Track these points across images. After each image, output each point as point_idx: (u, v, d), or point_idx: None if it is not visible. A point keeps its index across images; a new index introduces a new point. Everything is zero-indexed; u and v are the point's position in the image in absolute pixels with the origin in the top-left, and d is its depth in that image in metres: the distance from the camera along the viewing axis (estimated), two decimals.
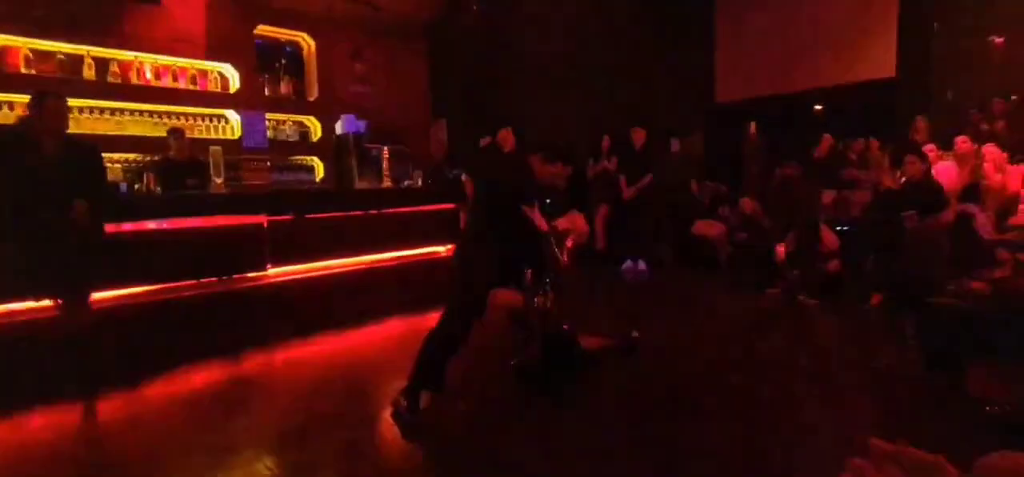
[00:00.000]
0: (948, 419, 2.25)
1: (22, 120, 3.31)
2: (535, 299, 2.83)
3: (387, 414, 2.63)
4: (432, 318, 2.89)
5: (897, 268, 4.14)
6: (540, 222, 2.82)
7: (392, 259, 5.39)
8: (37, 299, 3.54)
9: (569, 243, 3.12)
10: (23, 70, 5.25)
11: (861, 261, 4.74)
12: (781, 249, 5.05)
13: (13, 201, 3.20)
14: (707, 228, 6.33)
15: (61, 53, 5.46)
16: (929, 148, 5.19)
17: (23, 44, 5.26)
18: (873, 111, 6.77)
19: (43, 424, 2.85)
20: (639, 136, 6.19)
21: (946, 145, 5.35)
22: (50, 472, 2.32)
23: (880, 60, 6.89)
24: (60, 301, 3.41)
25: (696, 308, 5.02)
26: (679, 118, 7.97)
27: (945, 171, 4.98)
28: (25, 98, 4.93)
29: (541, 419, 2.64)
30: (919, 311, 2.89)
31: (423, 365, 2.64)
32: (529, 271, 2.84)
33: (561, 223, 3.23)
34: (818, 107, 7.86)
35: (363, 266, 5.22)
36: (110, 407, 3.07)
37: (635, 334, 3.45)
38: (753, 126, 7.51)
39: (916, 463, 0.47)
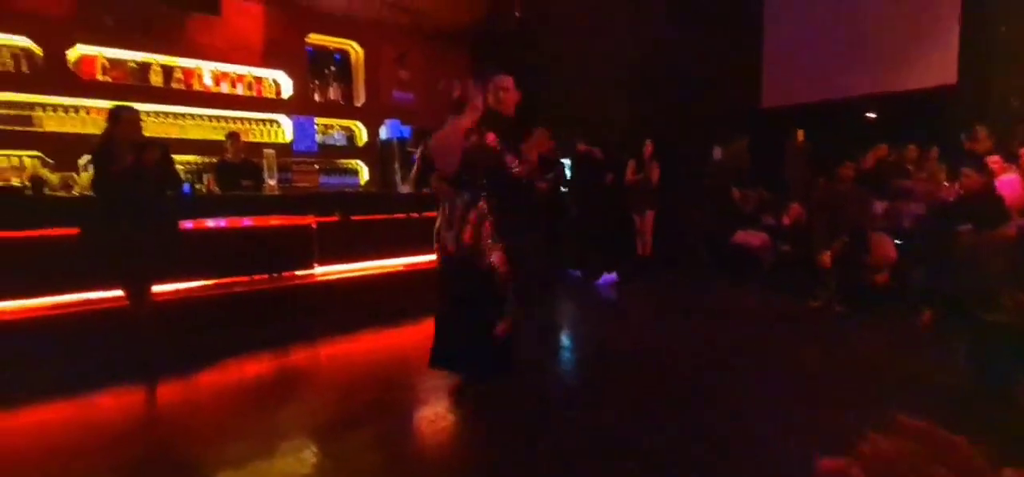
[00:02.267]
0: (997, 435, 2.16)
1: (104, 132, 3.67)
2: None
3: (424, 408, 2.74)
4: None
5: (950, 283, 3.95)
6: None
7: (432, 261, 5.52)
8: (108, 289, 3.87)
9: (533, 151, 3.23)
10: (99, 77, 5.71)
11: (912, 275, 4.55)
12: (826, 258, 4.90)
13: (99, 205, 3.54)
14: (749, 237, 6.20)
15: (132, 62, 5.89)
16: (993, 160, 4.91)
17: (99, 54, 5.71)
18: (930, 119, 6.45)
19: (110, 405, 3.10)
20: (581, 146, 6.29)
21: (1010, 156, 5.05)
22: (116, 450, 2.52)
23: (939, 66, 6.56)
24: (128, 291, 3.71)
25: (732, 317, 4.91)
26: (723, 123, 7.80)
27: (1009, 184, 4.70)
28: (100, 103, 5.39)
29: (566, 412, 2.68)
30: (972, 326, 2.76)
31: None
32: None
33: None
34: (871, 115, 7.55)
35: (404, 268, 5.38)
36: (169, 392, 3.30)
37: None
38: (800, 133, 7.28)
39: (936, 441, 0.50)
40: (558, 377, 3.41)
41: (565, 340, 4.27)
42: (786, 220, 5.51)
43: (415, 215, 5.55)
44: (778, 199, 6.12)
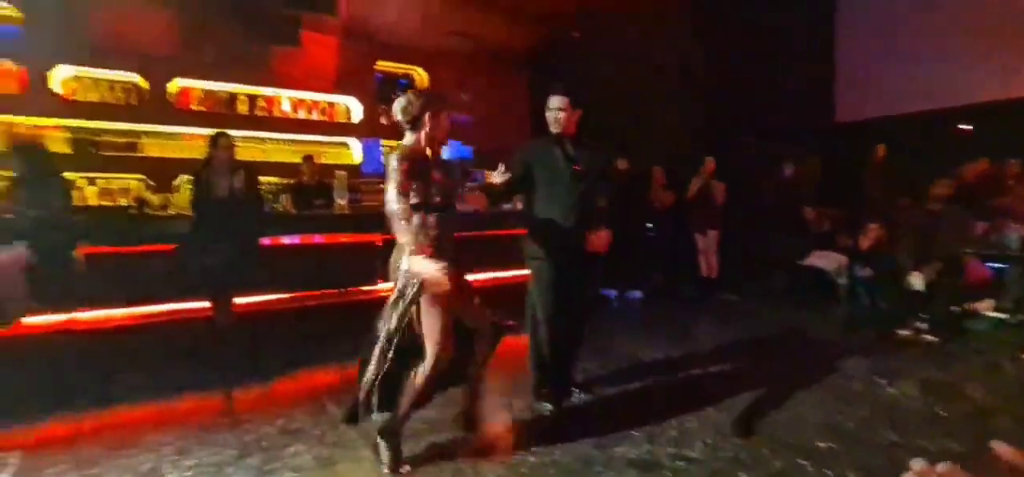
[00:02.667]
0: None
1: (206, 157, 4.10)
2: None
3: (482, 426, 2.77)
4: (522, 340, 3.01)
5: None
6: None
7: (491, 279, 5.61)
8: (197, 300, 4.22)
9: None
10: (194, 107, 6.30)
11: (1020, 303, 4.11)
12: (917, 283, 4.52)
13: (195, 224, 3.90)
14: (823, 259, 5.83)
15: (223, 92, 6.46)
16: None
17: (196, 86, 6.31)
18: None
19: (193, 407, 3.35)
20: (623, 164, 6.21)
21: None
22: (202, 448, 2.72)
23: None
24: (214, 302, 4.03)
25: (807, 345, 4.61)
26: (794, 139, 7.45)
27: None
28: (194, 130, 5.94)
29: (622, 448, 2.61)
30: None
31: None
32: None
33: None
34: (964, 127, 6.94)
35: None
36: (247, 399, 3.52)
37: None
38: (881, 148, 6.80)
39: None
40: (618, 407, 3.34)
41: (626, 365, 4.17)
42: (865, 242, 5.14)
43: (475, 233, 5.67)
44: (855, 219, 5.73)
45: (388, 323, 2.38)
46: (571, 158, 3.08)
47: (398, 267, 2.38)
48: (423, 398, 2.44)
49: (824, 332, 4.85)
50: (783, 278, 6.25)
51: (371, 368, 2.41)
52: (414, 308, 2.36)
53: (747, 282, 6.38)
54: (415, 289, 2.31)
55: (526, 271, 3.27)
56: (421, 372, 2.38)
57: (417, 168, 2.37)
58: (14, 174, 3.88)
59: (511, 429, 2.95)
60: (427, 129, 2.47)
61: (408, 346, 2.39)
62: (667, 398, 3.31)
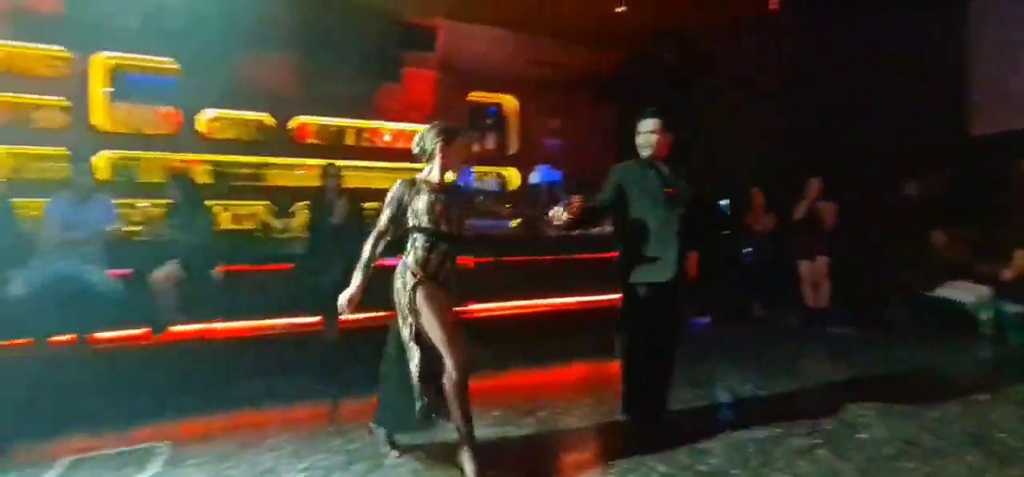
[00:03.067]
0: None
1: (320, 185, 4.63)
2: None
3: (570, 451, 2.77)
4: (612, 365, 2.98)
5: None
6: None
7: (578, 303, 5.60)
8: (309, 315, 4.64)
9: None
10: (310, 140, 6.99)
11: None
12: None
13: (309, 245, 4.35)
14: (959, 290, 5.17)
15: (334, 126, 7.12)
16: None
17: (313, 122, 7.02)
18: None
19: (306, 414, 3.66)
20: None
21: None
22: (314, 453, 2.97)
23: None
24: (323, 318, 4.40)
25: (944, 393, 3.99)
26: (919, 154, 6.68)
27: None
28: (309, 161, 6.58)
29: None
30: None
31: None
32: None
33: None
34: None
35: (551, 307, 5.53)
36: (352, 408, 3.78)
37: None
38: None
39: None
40: (716, 442, 3.16)
41: (726, 398, 3.95)
42: (1009, 272, 4.49)
43: (563, 257, 5.71)
44: (996, 244, 5.03)
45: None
46: (665, 181, 3.04)
47: (396, 288, 2.72)
48: (465, 405, 2.59)
49: (964, 375, 4.25)
50: (905, 310, 5.61)
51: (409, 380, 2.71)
52: (420, 321, 2.63)
53: (860, 313, 5.78)
54: (406, 304, 2.68)
55: (618, 294, 3.25)
56: (451, 385, 2.56)
57: (410, 198, 2.70)
58: (170, 201, 4.55)
59: (603, 456, 2.91)
60: (438, 161, 2.67)
61: (429, 353, 2.66)
62: (773, 438, 3.06)
